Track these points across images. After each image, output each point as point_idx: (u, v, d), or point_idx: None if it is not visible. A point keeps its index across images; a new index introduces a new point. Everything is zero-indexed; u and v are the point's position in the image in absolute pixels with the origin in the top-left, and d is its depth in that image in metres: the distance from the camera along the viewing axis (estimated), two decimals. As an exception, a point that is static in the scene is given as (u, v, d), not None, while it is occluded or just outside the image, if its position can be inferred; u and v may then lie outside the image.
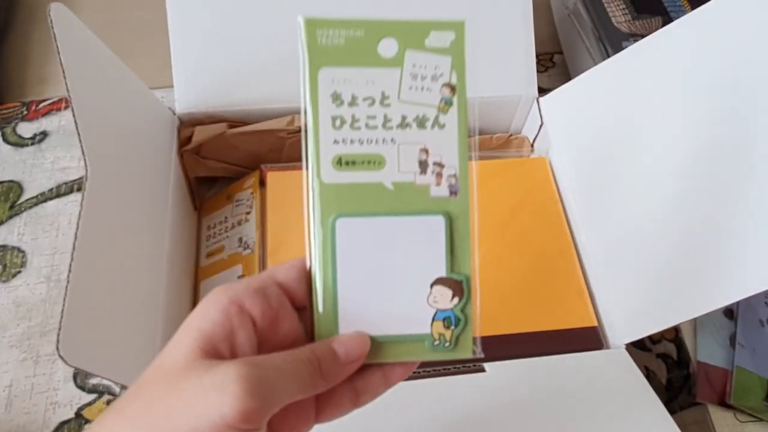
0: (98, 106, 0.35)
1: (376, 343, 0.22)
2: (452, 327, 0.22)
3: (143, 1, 0.62)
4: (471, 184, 0.23)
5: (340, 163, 0.22)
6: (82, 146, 0.31)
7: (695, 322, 0.45)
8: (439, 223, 0.22)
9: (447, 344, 0.22)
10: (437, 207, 0.22)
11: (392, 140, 0.22)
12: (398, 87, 0.22)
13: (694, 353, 0.44)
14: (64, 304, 0.28)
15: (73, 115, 0.31)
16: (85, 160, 0.31)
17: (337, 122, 0.22)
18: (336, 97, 0.22)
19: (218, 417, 0.18)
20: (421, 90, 0.22)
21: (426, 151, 0.22)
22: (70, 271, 0.29)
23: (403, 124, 0.22)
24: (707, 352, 0.44)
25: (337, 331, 0.22)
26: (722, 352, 0.44)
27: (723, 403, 0.41)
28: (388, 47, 0.22)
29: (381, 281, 0.22)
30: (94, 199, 0.31)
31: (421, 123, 0.22)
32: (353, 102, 0.22)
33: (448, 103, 0.22)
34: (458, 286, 0.23)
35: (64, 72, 0.31)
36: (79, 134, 0.31)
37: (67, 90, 0.31)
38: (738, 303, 0.45)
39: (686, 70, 0.37)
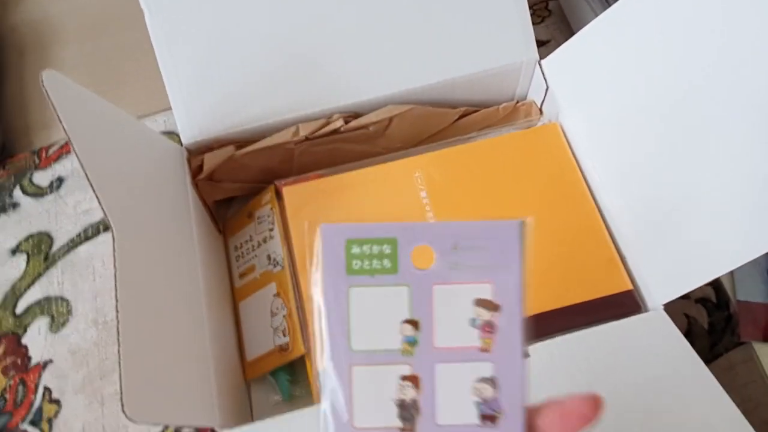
0: (107, 161, 0.35)
1: None
2: None
3: (130, 21, 0.61)
4: None
5: None
6: (100, 204, 0.32)
7: (730, 262, 0.44)
8: None
9: None
10: None
11: None
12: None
13: (732, 293, 0.44)
14: (120, 367, 0.29)
15: (87, 177, 0.32)
16: (104, 213, 0.32)
17: None
18: None
19: None
20: None
21: None
22: (118, 334, 0.30)
23: None
24: (746, 290, 0.44)
25: None
26: (761, 287, 0.44)
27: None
28: None
29: None
30: (123, 250, 0.32)
31: None
32: None
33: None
34: None
35: (69, 139, 0.32)
36: (96, 194, 0.32)
37: (76, 154, 0.32)
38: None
39: (693, 14, 0.35)
